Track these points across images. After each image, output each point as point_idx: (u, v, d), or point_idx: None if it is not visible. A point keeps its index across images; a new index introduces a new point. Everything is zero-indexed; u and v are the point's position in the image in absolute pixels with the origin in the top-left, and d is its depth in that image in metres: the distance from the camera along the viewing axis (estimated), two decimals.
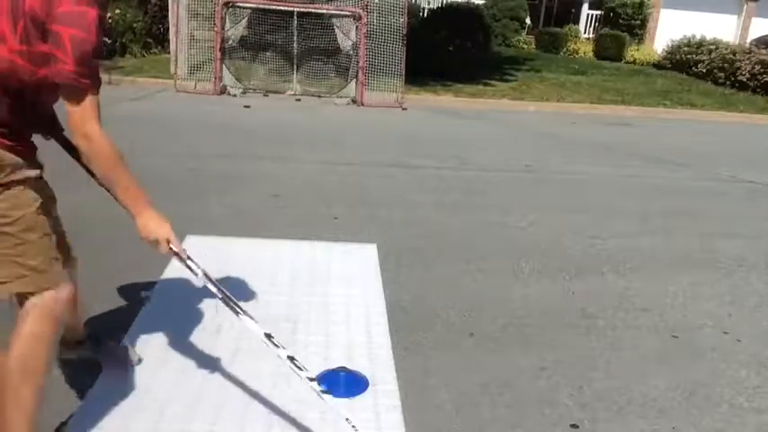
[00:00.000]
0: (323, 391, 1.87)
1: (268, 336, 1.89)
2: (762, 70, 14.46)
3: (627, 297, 3.41)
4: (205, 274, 1.91)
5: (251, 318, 1.91)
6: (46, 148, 1.88)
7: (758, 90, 14.50)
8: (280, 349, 1.88)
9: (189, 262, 1.91)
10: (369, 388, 2.30)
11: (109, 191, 1.82)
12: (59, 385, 2.19)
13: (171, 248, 1.87)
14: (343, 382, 2.30)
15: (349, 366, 2.40)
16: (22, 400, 1.64)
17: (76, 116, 1.58)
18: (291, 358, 1.88)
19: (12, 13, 1.51)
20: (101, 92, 1.63)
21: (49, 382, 2.20)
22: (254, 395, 2.21)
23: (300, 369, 1.87)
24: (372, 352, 2.56)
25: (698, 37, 16.43)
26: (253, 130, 7.45)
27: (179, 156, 5.70)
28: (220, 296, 1.91)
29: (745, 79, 14.71)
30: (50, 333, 1.70)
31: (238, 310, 1.90)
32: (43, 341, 1.67)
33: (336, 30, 10.31)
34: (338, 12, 10.23)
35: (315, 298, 3.02)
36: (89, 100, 1.59)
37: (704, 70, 15.66)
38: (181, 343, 2.51)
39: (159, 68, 10.89)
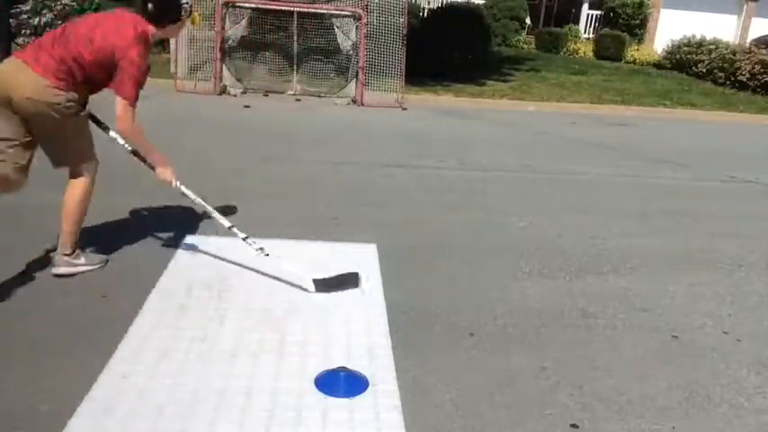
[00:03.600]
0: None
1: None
2: (762, 70, 14.46)
3: (627, 297, 3.41)
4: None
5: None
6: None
7: (758, 90, 14.49)
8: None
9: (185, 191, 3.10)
10: (369, 388, 2.30)
11: None
12: (59, 385, 2.19)
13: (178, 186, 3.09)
14: (343, 382, 2.30)
15: (349, 366, 2.40)
16: None
17: (129, 117, 2.94)
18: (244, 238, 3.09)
19: None
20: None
21: (49, 383, 2.21)
22: (254, 395, 2.21)
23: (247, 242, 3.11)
24: (372, 352, 2.56)
25: (698, 37, 16.42)
26: (253, 129, 7.45)
27: (179, 156, 5.67)
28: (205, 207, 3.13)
29: (745, 79, 14.71)
30: None
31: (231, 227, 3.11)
32: None
33: (336, 30, 10.30)
34: (338, 12, 10.22)
35: (315, 298, 3.02)
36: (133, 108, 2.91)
37: (704, 70, 15.66)
38: (181, 342, 2.51)
39: (159, 68, 10.88)
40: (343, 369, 2.37)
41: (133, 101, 2.82)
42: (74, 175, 3.03)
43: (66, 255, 3.01)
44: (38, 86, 2.70)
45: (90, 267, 3.10)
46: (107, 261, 3.21)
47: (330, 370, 2.37)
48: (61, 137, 2.91)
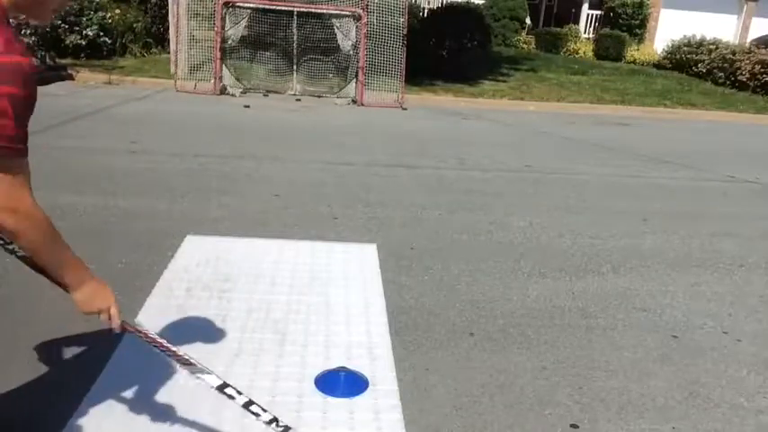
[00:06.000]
0: (285, 429, 1.80)
1: (222, 387, 1.73)
2: (762, 70, 14.46)
3: (627, 297, 3.41)
4: (156, 343, 1.72)
5: (210, 373, 1.73)
6: None
7: (758, 90, 14.50)
8: (236, 398, 1.74)
9: (137, 333, 1.69)
10: (369, 388, 2.30)
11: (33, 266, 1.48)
12: (59, 385, 2.19)
13: (114, 319, 1.57)
14: (343, 382, 2.31)
15: (349, 366, 2.40)
16: None
17: (3, 186, 1.28)
18: (247, 404, 1.77)
19: None
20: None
21: (49, 383, 2.21)
22: (255, 395, 2.20)
23: (258, 415, 1.78)
24: (372, 352, 2.56)
25: (698, 37, 16.43)
26: (253, 130, 7.45)
27: (179, 156, 5.70)
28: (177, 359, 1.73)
29: (745, 79, 14.71)
30: None
31: (200, 368, 1.72)
32: None
33: (336, 30, 10.31)
34: (338, 12, 10.23)
35: (315, 298, 3.02)
36: (20, 166, 1.31)
37: (704, 70, 15.66)
38: (181, 343, 2.51)
39: (159, 68, 10.90)
40: (343, 369, 2.37)
41: (24, 150, 1.31)
42: None
43: None
44: None
45: None
46: None
47: (330, 370, 2.38)
48: None
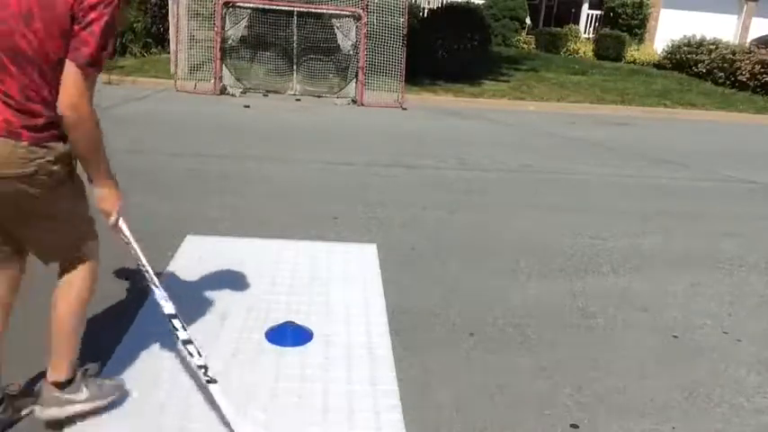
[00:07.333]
0: (209, 381, 2.04)
1: (171, 316, 2.07)
2: (762, 70, 14.45)
3: (627, 297, 3.41)
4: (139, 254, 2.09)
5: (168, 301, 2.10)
6: None
7: (758, 90, 14.49)
8: (179, 332, 2.06)
9: (130, 244, 2.08)
10: (369, 388, 2.30)
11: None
12: None
13: (117, 224, 2.01)
14: (290, 334, 2.62)
15: (348, 366, 2.41)
16: None
17: (75, 88, 1.65)
18: (186, 342, 2.06)
19: None
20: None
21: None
22: (254, 395, 2.21)
23: (192, 355, 2.05)
24: (372, 352, 2.56)
25: (698, 37, 16.43)
26: (253, 130, 7.45)
27: (179, 156, 5.70)
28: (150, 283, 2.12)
29: (745, 79, 14.70)
30: None
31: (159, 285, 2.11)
32: None
33: (336, 30, 10.30)
34: (338, 12, 10.23)
35: (315, 298, 3.02)
36: (92, 80, 1.69)
37: (704, 70, 15.66)
38: (180, 343, 2.51)
39: (159, 68, 10.89)
40: (291, 323, 2.70)
41: (95, 67, 1.66)
42: (68, 268, 1.97)
43: (58, 387, 1.92)
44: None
45: (93, 405, 1.98)
46: (121, 388, 2.11)
47: (278, 325, 2.70)
48: (49, 220, 1.84)
